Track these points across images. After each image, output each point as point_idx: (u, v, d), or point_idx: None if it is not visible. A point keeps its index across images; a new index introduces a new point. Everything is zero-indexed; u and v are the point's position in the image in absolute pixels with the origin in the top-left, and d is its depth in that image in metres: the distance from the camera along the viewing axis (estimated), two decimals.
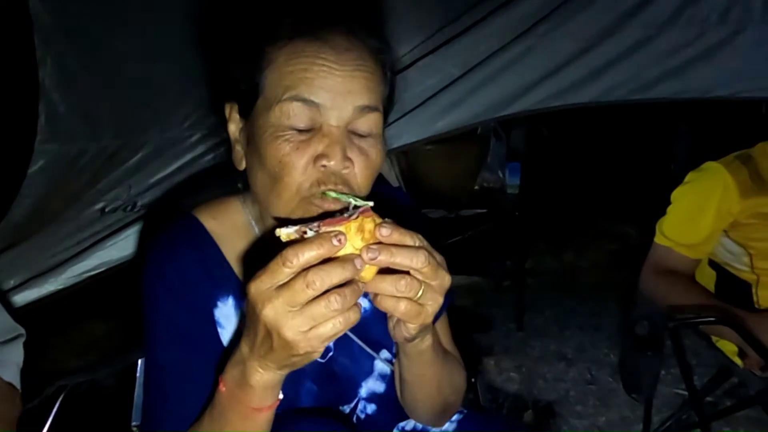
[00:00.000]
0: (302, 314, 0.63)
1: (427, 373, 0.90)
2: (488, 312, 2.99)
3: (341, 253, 0.65)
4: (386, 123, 0.89)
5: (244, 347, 0.71)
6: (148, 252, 0.91)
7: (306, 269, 0.63)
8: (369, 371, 0.99)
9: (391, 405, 0.99)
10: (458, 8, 1.61)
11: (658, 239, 1.70)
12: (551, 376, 2.51)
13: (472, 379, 1.30)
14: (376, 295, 0.70)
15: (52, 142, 1.63)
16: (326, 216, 0.70)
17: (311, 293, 0.62)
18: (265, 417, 0.75)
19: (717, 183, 1.58)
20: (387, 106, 0.89)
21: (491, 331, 2.84)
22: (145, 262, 0.90)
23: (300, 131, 0.81)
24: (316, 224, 0.65)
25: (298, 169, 0.80)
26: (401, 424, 1.05)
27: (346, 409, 0.98)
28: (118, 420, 1.14)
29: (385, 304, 0.69)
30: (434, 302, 0.70)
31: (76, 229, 1.48)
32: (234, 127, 0.90)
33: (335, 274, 0.63)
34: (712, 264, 1.75)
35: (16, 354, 1.08)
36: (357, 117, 0.82)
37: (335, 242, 0.63)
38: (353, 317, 0.65)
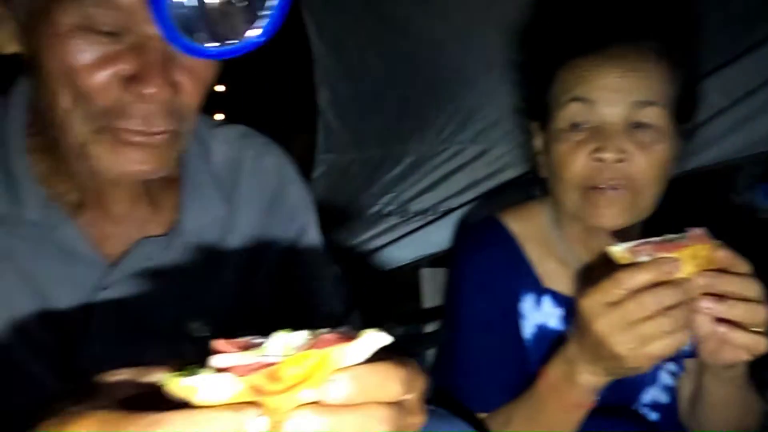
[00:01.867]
0: (632, 332, 0.68)
1: (735, 398, 0.89)
2: None
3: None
4: (686, 121, 0.94)
5: (572, 348, 0.79)
6: (460, 249, 1.06)
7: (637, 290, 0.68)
8: (653, 380, 1.03)
9: (672, 417, 1.02)
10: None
11: None
12: None
13: None
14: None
15: (329, 152, 1.94)
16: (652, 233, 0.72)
17: (643, 314, 0.67)
18: (583, 412, 0.82)
19: None
20: (681, 106, 0.93)
21: None
22: (457, 258, 1.06)
23: (578, 130, 0.90)
24: (649, 246, 0.69)
25: (576, 166, 0.89)
26: None
27: None
28: None
29: (723, 332, 0.70)
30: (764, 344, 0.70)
31: (360, 229, 1.73)
32: (538, 141, 1.02)
33: (668, 298, 0.66)
34: None
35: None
36: (635, 112, 0.88)
37: (669, 270, 0.67)
38: (683, 338, 0.68)
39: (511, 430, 0.90)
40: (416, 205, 1.72)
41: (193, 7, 0.57)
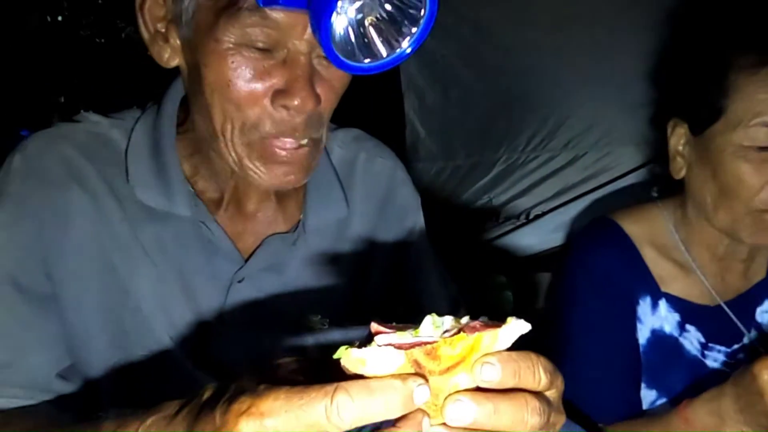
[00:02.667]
0: None
1: None
2: None
3: None
4: None
5: (727, 404, 0.76)
6: (575, 250, 1.04)
7: None
8: None
9: None
10: None
11: None
12: None
13: None
14: None
15: (417, 161, 1.96)
16: None
17: None
18: None
19: None
20: None
21: None
22: (571, 258, 1.03)
23: (761, 151, 0.86)
24: None
25: (755, 189, 0.87)
26: None
27: None
28: None
29: None
30: None
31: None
32: (676, 141, 0.97)
33: None
34: None
35: None
36: None
37: None
38: None
39: None
40: (508, 211, 1.72)
41: (350, 24, 0.59)
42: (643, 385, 0.98)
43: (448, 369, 0.41)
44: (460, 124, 1.94)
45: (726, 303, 1.00)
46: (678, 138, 0.97)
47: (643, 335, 0.98)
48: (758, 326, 0.99)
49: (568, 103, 1.80)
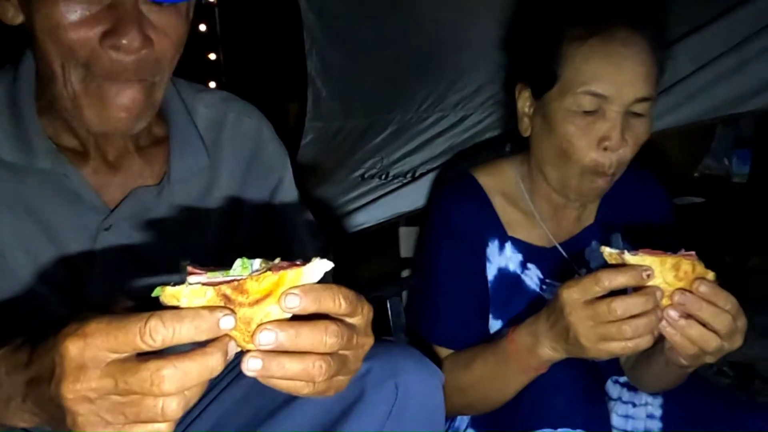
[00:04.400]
0: (598, 330, 0.77)
1: (676, 378, 0.97)
2: None
3: (652, 283, 0.74)
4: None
5: (542, 324, 0.87)
6: (436, 201, 1.16)
7: (613, 293, 0.75)
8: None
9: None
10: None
11: None
12: None
13: None
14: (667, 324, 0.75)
15: (318, 120, 2.02)
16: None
17: (610, 317, 0.75)
18: (537, 374, 0.93)
19: None
20: (657, 85, 1.03)
21: None
22: (433, 209, 1.16)
23: (587, 115, 0.98)
24: (639, 250, 0.74)
25: (582, 149, 0.99)
26: (615, 377, 1.18)
27: None
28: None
29: (674, 338, 0.76)
30: (716, 356, 0.77)
31: (342, 192, 1.83)
32: (522, 103, 1.10)
33: (636, 307, 0.74)
34: None
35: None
36: (634, 106, 0.98)
37: (643, 276, 0.73)
38: (643, 344, 0.75)
39: (470, 372, 1.01)
40: (396, 169, 1.82)
41: None
42: (490, 317, 1.13)
43: (257, 301, 0.50)
44: (359, 84, 2.01)
45: (561, 244, 1.15)
46: (524, 101, 1.10)
47: (491, 273, 1.13)
48: (587, 264, 1.16)
49: (460, 65, 1.90)
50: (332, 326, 0.51)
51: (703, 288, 0.74)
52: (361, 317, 0.54)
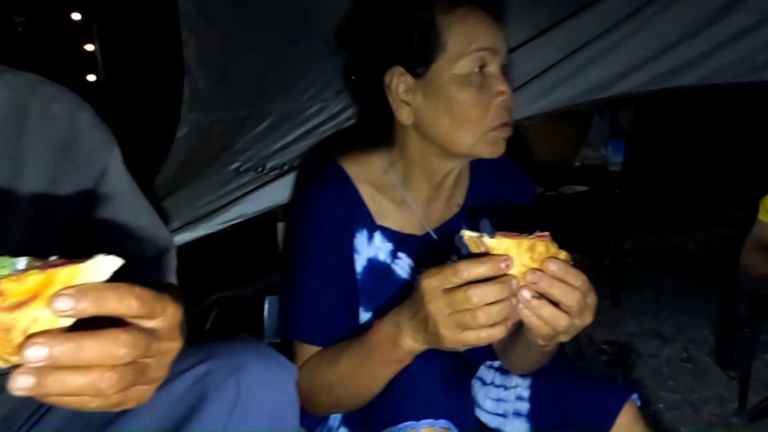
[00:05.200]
0: (455, 319, 0.75)
1: (542, 358, 0.99)
2: None
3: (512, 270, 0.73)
4: None
5: (404, 315, 0.84)
6: (302, 192, 1.10)
7: (472, 282, 0.73)
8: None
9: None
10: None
11: (762, 216, 1.70)
12: (645, 352, 2.49)
13: None
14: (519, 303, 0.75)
15: (195, 111, 1.89)
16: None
17: (466, 306, 0.74)
18: (402, 366, 0.90)
19: None
20: None
21: None
22: (299, 200, 1.10)
23: (477, 75, 1.01)
24: (498, 233, 0.74)
25: (484, 106, 1.01)
26: (489, 362, 1.19)
27: None
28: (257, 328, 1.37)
29: (529, 319, 0.76)
30: (569, 335, 0.79)
31: (217, 185, 1.73)
32: (398, 91, 1.05)
33: (491, 295, 0.73)
34: None
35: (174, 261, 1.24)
36: (506, 56, 1.04)
37: (502, 266, 0.73)
38: (496, 334, 0.75)
39: (337, 368, 0.97)
40: (273, 161, 1.75)
41: None
42: (360, 309, 1.09)
43: (19, 305, 0.42)
44: (237, 75, 1.91)
45: (434, 231, 1.13)
46: (400, 87, 1.05)
47: (360, 264, 1.09)
48: (458, 250, 1.14)
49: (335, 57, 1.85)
50: (123, 335, 0.44)
51: (552, 266, 0.74)
52: (163, 319, 0.47)
